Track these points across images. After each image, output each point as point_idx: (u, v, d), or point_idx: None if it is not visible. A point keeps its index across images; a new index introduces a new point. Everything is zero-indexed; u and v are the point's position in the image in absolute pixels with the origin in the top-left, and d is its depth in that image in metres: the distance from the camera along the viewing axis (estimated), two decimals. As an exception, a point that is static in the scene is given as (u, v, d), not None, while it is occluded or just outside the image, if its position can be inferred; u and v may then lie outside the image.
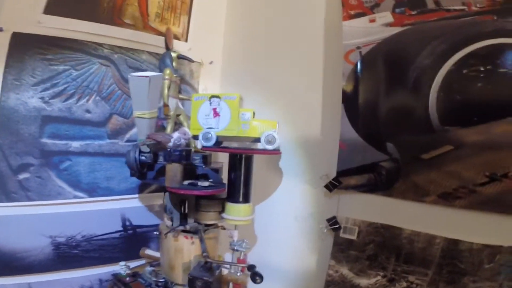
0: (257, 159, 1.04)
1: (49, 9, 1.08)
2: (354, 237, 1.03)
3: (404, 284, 0.96)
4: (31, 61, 1.06)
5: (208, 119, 0.99)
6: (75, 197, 1.14)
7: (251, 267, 0.92)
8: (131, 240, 1.24)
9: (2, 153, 1.04)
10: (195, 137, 1.00)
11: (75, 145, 1.14)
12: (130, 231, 1.24)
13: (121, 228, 1.22)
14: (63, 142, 1.12)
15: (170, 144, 0.93)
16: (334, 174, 1.07)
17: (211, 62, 1.41)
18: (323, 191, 1.09)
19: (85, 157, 1.15)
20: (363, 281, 1.01)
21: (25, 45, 1.05)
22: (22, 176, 1.07)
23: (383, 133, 0.99)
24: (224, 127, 0.98)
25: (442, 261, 0.90)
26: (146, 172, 1.03)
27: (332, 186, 1.05)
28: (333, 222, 1.05)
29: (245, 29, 1.39)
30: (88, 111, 1.15)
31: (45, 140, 1.09)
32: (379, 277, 0.99)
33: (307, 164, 1.15)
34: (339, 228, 1.05)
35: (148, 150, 1.00)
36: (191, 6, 1.37)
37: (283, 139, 1.12)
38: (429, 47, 0.92)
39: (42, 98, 1.09)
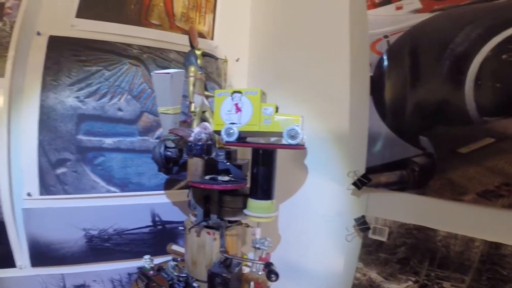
0: (281, 155, 1.01)
1: (81, 13, 1.15)
2: (384, 239, 0.96)
3: (439, 291, 0.87)
4: (66, 63, 1.13)
5: (230, 115, 0.99)
6: (108, 191, 1.19)
7: (267, 265, 0.89)
8: (160, 235, 1.27)
9: (42, 149, 1.11)
10: (218, 133, 1.00)
11: (108, 141, 1.19)
12: (159, 227, 1.26)
13: (151, 223, 1.25)
14: (97, 138, 1.18)
15: (191, 138, 0.94)
16: (362, 171, 1.01)
17: (237, 60, 1.41)
18: (351, 189, 1.03)
19: (117, 153, 1.20)
20: (393, 286, 0.94)
21: (60, 48, 1.12)
22: (59, 170, 1.13)
23: (416, 126, 0.92)
24: (246, 122, 0.97)
25: (481, 266, 0.81)
26: (172, 167, 1.04)
27: (360, 183, 0.99)
28: (361, 222, 0.99)
29: (270, 24, 1.38)
30: (120, 109, 1.20)
31: (80, 137, 1.16)
32: (410, 282, 0.92)
33: (334, 160, 1.09)
34: (368, 228, 0.99)
35: (173, 145, 1.01)
36: (216, 4, 1.39)
37: (310, 134, 1.10)
38: (462, 33, 0.84)
39: (77, 97, 1.15)
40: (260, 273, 0.99)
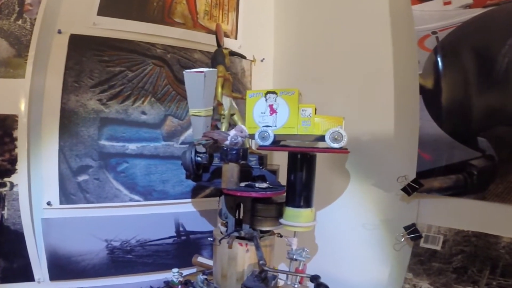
0: (319, 160, 0.94)
1: (103, 11, 1.10)
2: (438, 247, 0.88)
3: (500, 301, 0.79)
4: (88, 63, 1.08)
5: (264, 117, 0.93)
6: (131, 200, 1.13)
7: (314, 278, 0.82)
8: (184, 246, 1.20)
9: (63, 155, 1.05)
10: (251, 136, 0.93)
11: (132, 147, 1.13)
12: (183, 237, 1.20)
13: (174, 234, 1.19)
14: (120, 144, 1.12)
15: (227, 142, 0.87)
16: (413, 176, 0.93)
17: (262, 60, 1.35)
18: (399, 195, 0.95)
19: (141, 159, 1.14)
20: (448, 299, 0.86)
21: (82, 47, 1.07)
22: (81, 178, 1.07)
23: (474, 126, 0.85)
24: (282, 124, 0.90)
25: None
26: (201, 173, 0.98)
27: (411, 189, 0.91)
28: (412, 230, 0.91)
29: (298, 21, 1.32)
30: (143, 112, 1.14)
31: (103, 142, 1.10)
32: (468, 294, 0.84)
33: (379, 165, 1.02)
34: (420, 237, 0.91)
35: (204, 150, 0.95)
36: (238, 2, 1.34)
37: (351, 136, 1.02)
38: (521, 29, 0.78)
39: (100, 100, 1.09)
40: (296, 286, 0.92)
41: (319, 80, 1.20)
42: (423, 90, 0.93)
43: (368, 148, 1.05)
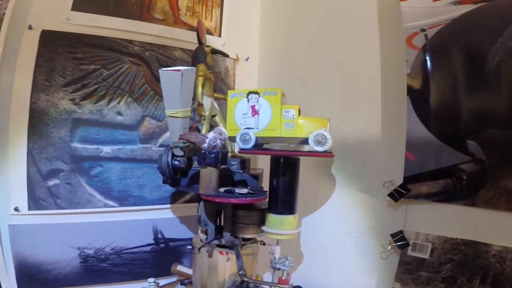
0: (303, 164, 0.90)
1: (77, 5, 1.04)
2: (426, 256, 0.84)
3: (490, 312, 0.76)
4: (60, 60, 1.01)
5: (246, 118, 0.88)
6: (106, 205, 1.06)
7: (296, 288, 0.77)
8: (163, 254, 1.14)
9: (32, 158, 0.99)
10: (232, 139, 0.88)
11: (106, 150, 1.06)
12: (162, 245, 1.13)
13: (152, 241, 1.12)
14: (94, 146, 1.05)
15: (205, 145, 0.82)
16: (400, 181, 0.90)
17: (247, 59, 1.30)
18: (386, 201, 0.92)
19: (116, 162, 1.08)
20: (436, 309, 0.83)
21: (54, 44, 1.01)
22: (51, 182, 1.01)
23: (463, 129, 0.81)
24: (265, 126, 0.85)
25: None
26: (179, 178, 0.92)
27: (398, 194, 0.87)
28: (399, 238, 0.87)
29: (284, 19, 1.27)
30: (119, 113, 1.08)
31: (75, 144, 1.03)
32: (457, 304, 0.80)
33: (365, 169, 0.98)
34: (407, 244, 0.87)
35: (181, 153, 0.89)
36: (223, -2, 1.29)
37: (335, 139, 0.98)
38: (512, 26, 0.75)
39: (73, 99, 1.03)
40: (280, 297, 0.87)
41: (304, 80, 1.16)
42: (410, 90, 0.89)
43: (354, 151, 1.01)
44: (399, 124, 0.90)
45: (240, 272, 0.82)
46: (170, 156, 0.88)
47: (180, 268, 1.05)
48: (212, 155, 0.81)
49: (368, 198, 0.96)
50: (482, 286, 0.78)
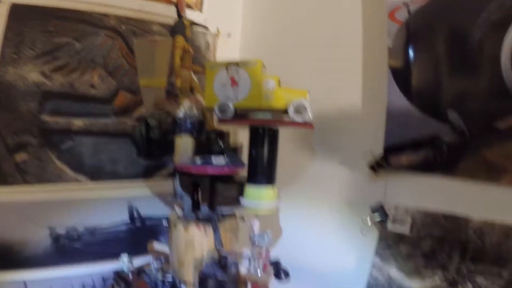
0: (282, 137, 0.87)
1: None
2: (406, 230, 0.84)
3: (471, 287, 0.76)
4: (31, 33, 0.96)
5: (225, 89, 0.85)
6: (77, 181, 1.02)
7: (275, 264, 0.76)
8: (139, 233, 1.10)
9: (-2, 132, 0.93)
10: (210, 110, 0.85)
11: (78, 123, 1.02)
12: (138, 223, 1.10)
13: (128, 220, 1.08)
14: (65, 119, 1.00)
15: (180, 114, 0.79)
16: (380, 152, 0.88)
17: (229, 35, 1.26)
18: (366, 173, 0.90)
19: (89, 136, 1.03)
20: (416, 284, 0.82)
21: (24, 17, 0.95)
22: (19, 157, 0.95)
23: (445, 100, 0.81)
24: (244, 97, 0.82)
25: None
26: (154, 150, 0.89)
27: (378, 166, 0.86)
28: (378, 212, 0.86)
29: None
30: (93, 86, 1.04)
31: (45, 117, 0.98)
32: (437, 279, 0.80)
33: (346, 142, 0.97)
34: (387, 218, 0.86)
35: (156, 124, 0.86)
36: (204, -30, 1.25)
37: (316, 112, 0.97)
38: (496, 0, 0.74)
39: (42, 72, 0.98)
40: (259, 273, 0.85)
41: (287, 55, 1.14)
42: (392, 63, 0.88)
43: (334, 124, 0.99)
44: (379, 97, 0.89)
45: (217, 246, 0.80)
46: (144, 127, 0.85)
47: (157, 246, 1.01)
48: (188, 124, 0.78)
49: (349, 171, 0.95)
50: (462, 261, 0.77)
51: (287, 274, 0.74)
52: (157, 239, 1.09)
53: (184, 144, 0.78)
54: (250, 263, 0.87)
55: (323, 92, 0.98)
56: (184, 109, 0.79)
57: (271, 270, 0.78)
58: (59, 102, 1.00)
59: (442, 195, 0.80)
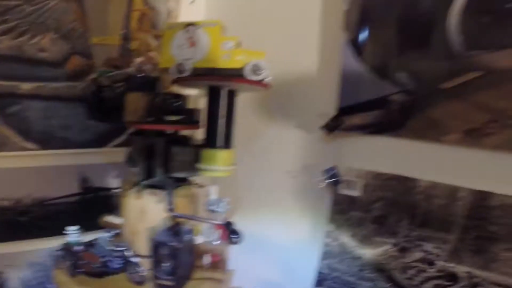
0: (240, 102, 0.86)
1: None
2: (358, 194, 0.84)
3: (419, 254, 0.78)
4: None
5: (182, 50, 0.82)
6: (24, 148, 0.96)
7: (227, 224, 0.74)
8: (92, 205, 1.05)
9: None
10: (166, 70, 0.83)
11: (26, 87, 0.96)
12: (90, 194, 1.04)
13: (80, 190, 1.03)
14: (11, 83, 0.94)
15: (132, 68, 0.76)
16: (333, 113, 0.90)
17: (192, 2, 1.23)
18: (321, 136, 0.90)
19: (37, 100, 0.97)
20: (368, 252, 0.83)
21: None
22: (-42, 122, 0.89)
23: (395, 61, 0.83)
24: (201, 57, 0.81)
25: (467, 222, 0.73)
26: (107, 112, 0.85)
27: (331, 127, 0.87)
28: (331, 174, 0.86)
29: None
30: (42, 50, 0.98)
31: (-12, 80, 0.92)
32: (388, 246, 0.81)
33: (302, 105, 0.97)
34: (339, 181, 0.86)
35: (108, 83, 0.82)
36: None
37: (272, 76, 0.96)
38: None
39: (-13, 33, 0.92)
40: (216, 243, 0.83)
41: (248, 20, 1.12)
42: (347, 26, 0.89)
43: (291, 88, 0.99)
44: (334, 59, 0.90)
45: (169, 207, 0.77)
46: (95, 87, 0.81)
47: (110, 218, 0.97)
48: (140, 79, 0.75)
49: (304, 134, 0.95)
50: (411, 227, 0.79)
51: (235, 234, 0.72)
52: (112, 211, 1.05)
53: (135, 102, 0.75)
54: (206, 232, 0.85)
55: (281, 55, 0.99)
56: (136, 65, 0.75)
57: (230, 239, 0.76)
58: (4, 65, 0.93)
59: (392, 156, 0.82)
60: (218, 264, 0.89)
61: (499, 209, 0.69)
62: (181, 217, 0.77)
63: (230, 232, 0.74)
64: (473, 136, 0.72)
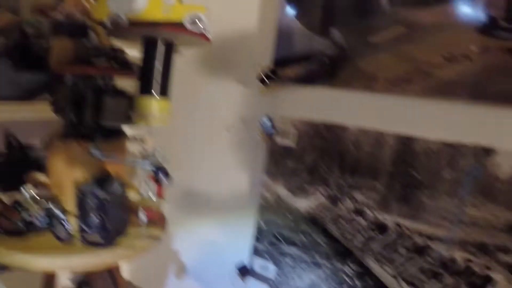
0: (182, 59, 0.85)
1: None
2: (292, 144, 0.86)
3: (350, 204, 0.81)
4: None
5: (120, 3, 0.80)
6: None
7: (157, 168, 0.73)
8: (19, 165, 0.97)
9: None
10: (100, 23, 0.79)
11: None
12: (17, 153, 0.97)
13: (4, 150, 0.95)
14: None
15: (59, 15, 0.72)
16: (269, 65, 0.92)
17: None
18: (258, 89, 0.92)
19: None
20: (302, 203, 0.85)
21: None
22: None
23: (327, 18, 0.87)
24: (140, 10, 0.78)
25: (393, 169, 0.77)
26: (32, 62, 0.80)
27: (267, 78, 0.88)
28: (266, 125, 0.88)
29: None
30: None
31: None
32: (320, 196, 0.83)
33: (241, 60, 0.99)
34: (274, 132, 0.88)
35: (35, 32, 0.77)
36: None
37: (214, 32, 0.96)
38: None
39: None
40: (152, 198, 0.80)
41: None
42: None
43: (231, 44, 1.01)
44: (272, 16, 0.92)
45: (97, 158, 0.73)
46: (18, 34, 0.76)
47: (37, 176, 0.91)
48: (68, 25, 0.71)
49: (242, 88, 0.96)
50: (341, 175, 0.82)
51: (168, 175, 0.71)
52: (40, 170, 0.98)
53: (62, 49, 0.71)
54: (142, 188, 0.82)
55: (221, 12, 0.99)
56: (64, 10, 0.72)
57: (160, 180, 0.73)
58: None
59: (324, 105, 0.85)
60: (156, 221, 0.86)
61: (422, 154, 0.74)
62: (113, 173, 0.73)
63: (162, 173, 0.72)
64: (397, 84, 0.76)
